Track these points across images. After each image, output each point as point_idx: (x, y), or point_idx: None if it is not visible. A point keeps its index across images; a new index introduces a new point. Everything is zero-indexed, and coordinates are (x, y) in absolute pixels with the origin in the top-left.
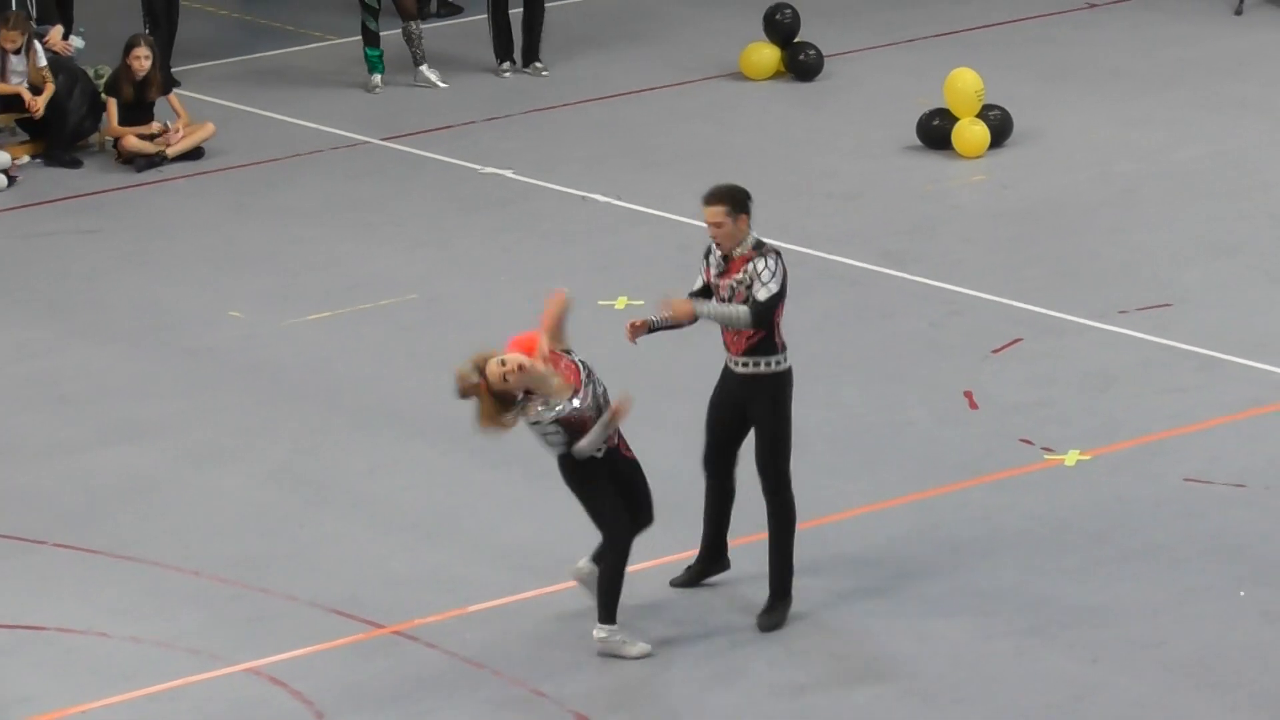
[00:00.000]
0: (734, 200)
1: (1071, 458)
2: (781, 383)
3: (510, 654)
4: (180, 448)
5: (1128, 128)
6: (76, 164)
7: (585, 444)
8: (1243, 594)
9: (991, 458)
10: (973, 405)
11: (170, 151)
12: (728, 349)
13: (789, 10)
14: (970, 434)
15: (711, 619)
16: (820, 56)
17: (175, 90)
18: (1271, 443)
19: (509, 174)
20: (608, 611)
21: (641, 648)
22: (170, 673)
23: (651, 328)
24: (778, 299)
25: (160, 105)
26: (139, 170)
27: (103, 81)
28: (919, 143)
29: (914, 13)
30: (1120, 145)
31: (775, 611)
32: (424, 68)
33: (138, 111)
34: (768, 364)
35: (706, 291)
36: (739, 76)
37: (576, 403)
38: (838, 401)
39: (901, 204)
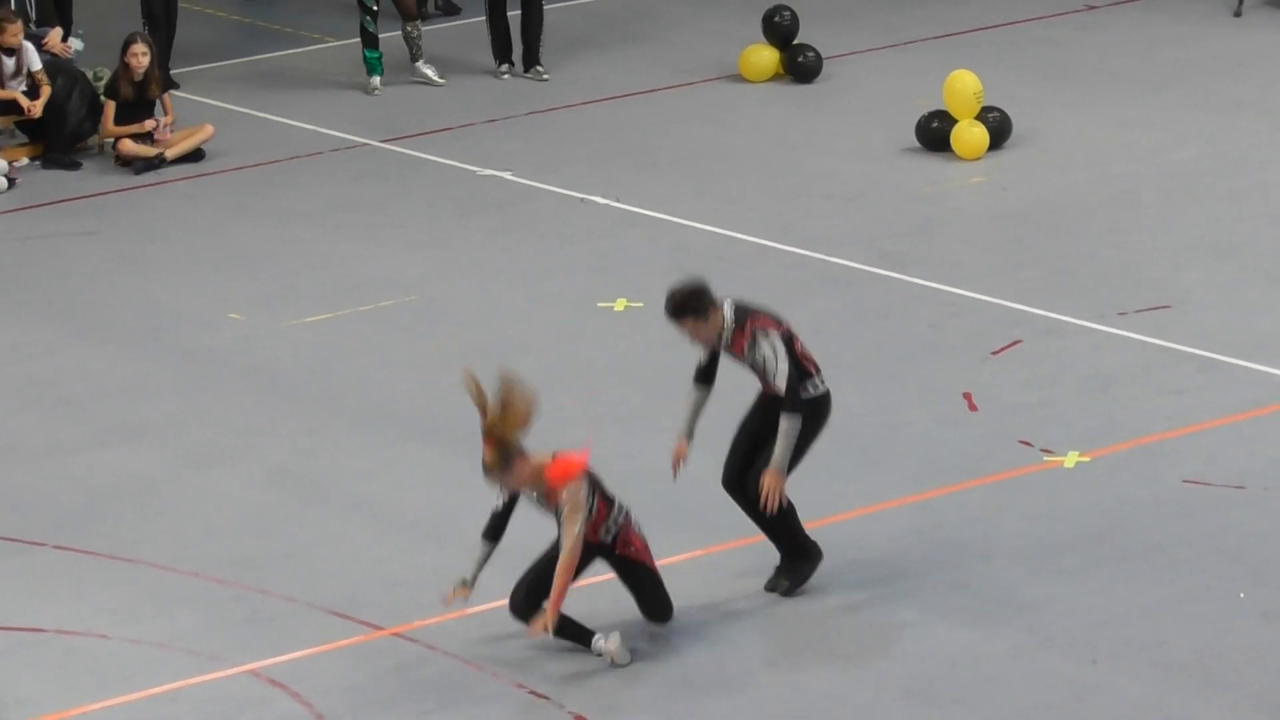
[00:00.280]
0: (695, 307)
1: (1071, 459)
2: (816, 409)
3: (509, 656)
4: (179, 449)
5: (1127, 129)
6: (75, 166)
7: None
8: (1242, 595)
9: (990, 459)
10: (972, 407)
11: (169, 154)
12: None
13: (788, 12)
14: (969, 435)
15: (709, 621)
16: (819, 58)
17: (171, 92)
18: (1271, 444)
19: (508, 176)
20: (579, 635)
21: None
22: (170, 674)
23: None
24: (793, 369)
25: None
26: (137, 172)
27: (102, 83)
28: (918, 144)
29: (913, 14)
30: (1119, 146)
31: (796, 571)
32: (420, 64)
33: (139, 111)
34: (804, 391)
35: (708, 367)
36: (738, 78)
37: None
38: (837, 403)
39: (900, 205)
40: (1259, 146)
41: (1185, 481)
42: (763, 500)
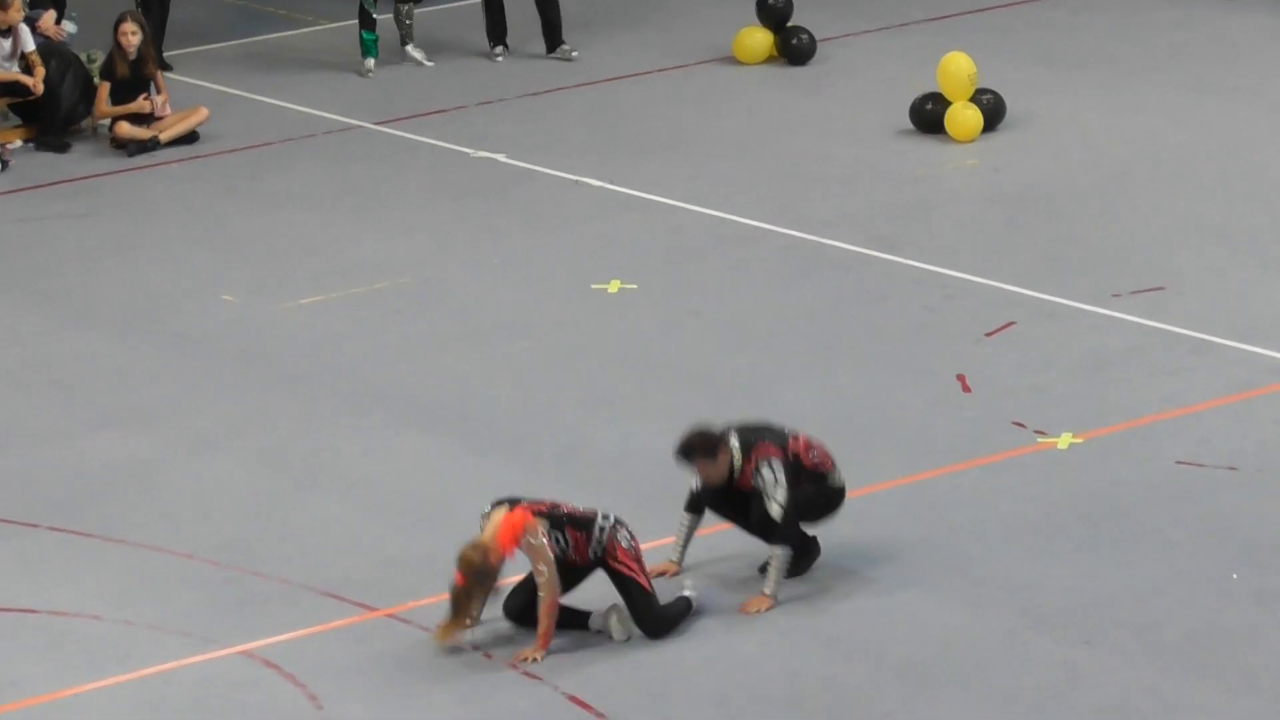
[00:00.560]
0: (706, 449)
1: (1064, 441)
2: (831, 498)
3: (503, 637)
4: (173, 432)
5: (1121, 112)
6: (65, 148)
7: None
8: (1235, 576)
9: (984, 441)
10: (966, 389)
11: (163, 136)
12: None
13: None
14: (963, 417)
15: (703, 602)
16: (813, 41)
17: (165, 74)
18: (1264, 425)
19: (501, 158)
20: (574, 620)
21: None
22: (163, 656)
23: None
24: (793, 497)
25: None
26: (131, 155)
27: (95, 66)
28: (912, 127)
29: None
30: (1113, 130)
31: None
32: (409, 47)
33: (135, 91)
34: (830, 482)
35: (701, 497)
36: (732, 61)
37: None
38: (830, 385)
39: (894, 188)
40: (1252, 130)
41: (1178, 463)
42: (747, 609)
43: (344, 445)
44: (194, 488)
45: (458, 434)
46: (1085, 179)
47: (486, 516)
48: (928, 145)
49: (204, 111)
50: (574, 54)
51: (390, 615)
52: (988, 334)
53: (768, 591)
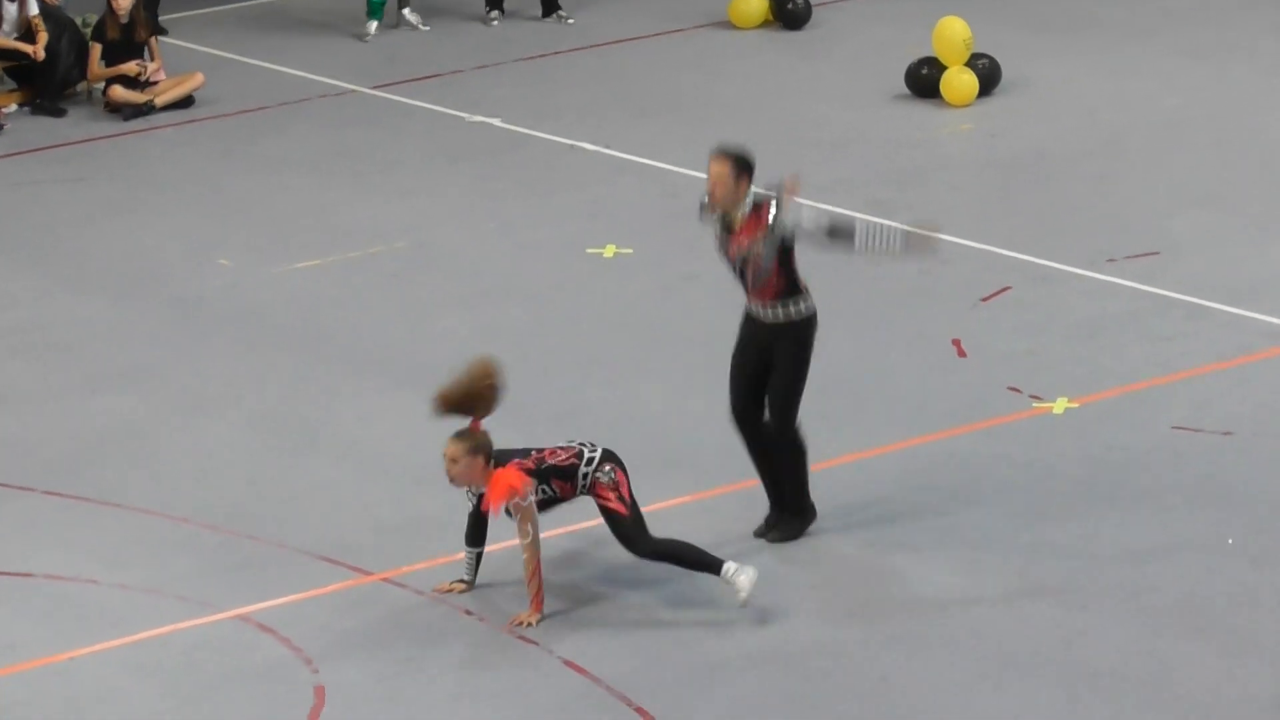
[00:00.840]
0: (741, 163)
1: (1060, 406)
2: (809, 327)
3: (498, 601)
4: (168, 395)
5: (1116, 76)
6: (61, 113)
7: None
8: (1231, 540)
9: (980, 406)
10: (961, 353)
11: (159, 101)
12: (755, 298)
13: None
14: (958, 382)
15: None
16: (808, 5)
17: (160, 38)
18: (1259, 390)
19: (497, 123)
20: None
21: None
22: (159, 619)
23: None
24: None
25: None
26: (127, 119)
27: (89, 30)
28: (907, 91)
29: None
30: (1108, 94)
31: (788, 525)
32: (406, 10)
33: (127, 55)
34: (796, 309)
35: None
36: (727, 25)
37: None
38: (826, 349)
39: (890, 152)
40: (1247, 94)
41: (1174, 428)
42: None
43: (340, 409)
44: (190, 451)
45: None
46: (1080, 143)
47: None
48: (923, 110)
49: (199, 76)
50: (570, 19)
51: (386, 579)
52: (983, 299)
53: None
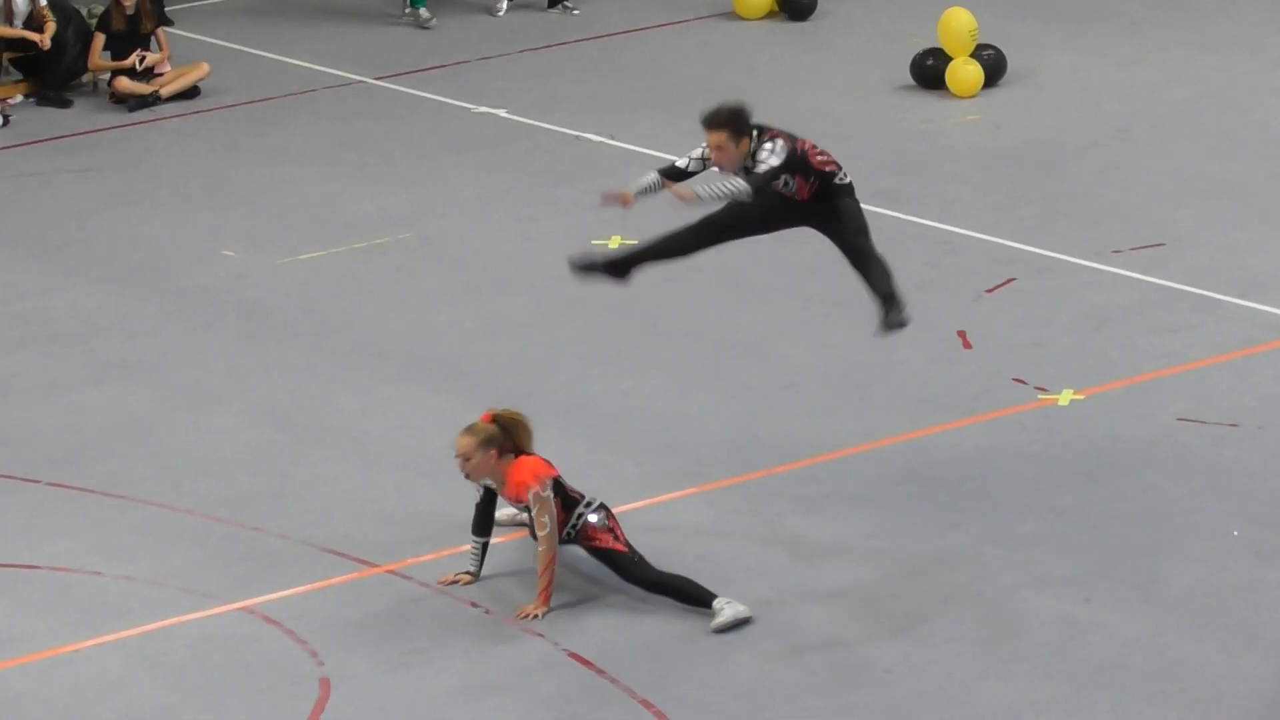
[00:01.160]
0: (736, 125)
1: (1065, 397)
2: (852, 189)
3: (504, 593)
4: (173, 387)
5: (1121, 67)
6: (66, 104)
7: None
8: (1236, 533)
9: (985, 397)
10: (966, 345)
11: (164, 92)
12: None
13: None
14: (963, 373)
15: (702, 559)
16: None
17: (166, 29)
18: (1264, 382)
19: (502, 113)
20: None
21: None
22: (163, 611)
23: (642, 191)
24: (778, 170)
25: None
26: (132, 110)
27: (96, 21)
28: (913, 82)
29: None
30: (1113, 85)
31: (898, 310)
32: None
33: (132, 46)
34: (838, 180)
35: (678, 173)
36: (733, 16)
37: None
38: (831, 341)
39: (895, 143)
40: (1253, 85)
41: (1179, 419)
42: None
43: (344, 401)
44: (194, 443)
45: (458, 389)
46: (1086, 134)
47: None
48: (929, 101)
49: (205, 67)
50: (575, 10)
51: (390, 571)
52: (988, 290)
53: (700, 191)
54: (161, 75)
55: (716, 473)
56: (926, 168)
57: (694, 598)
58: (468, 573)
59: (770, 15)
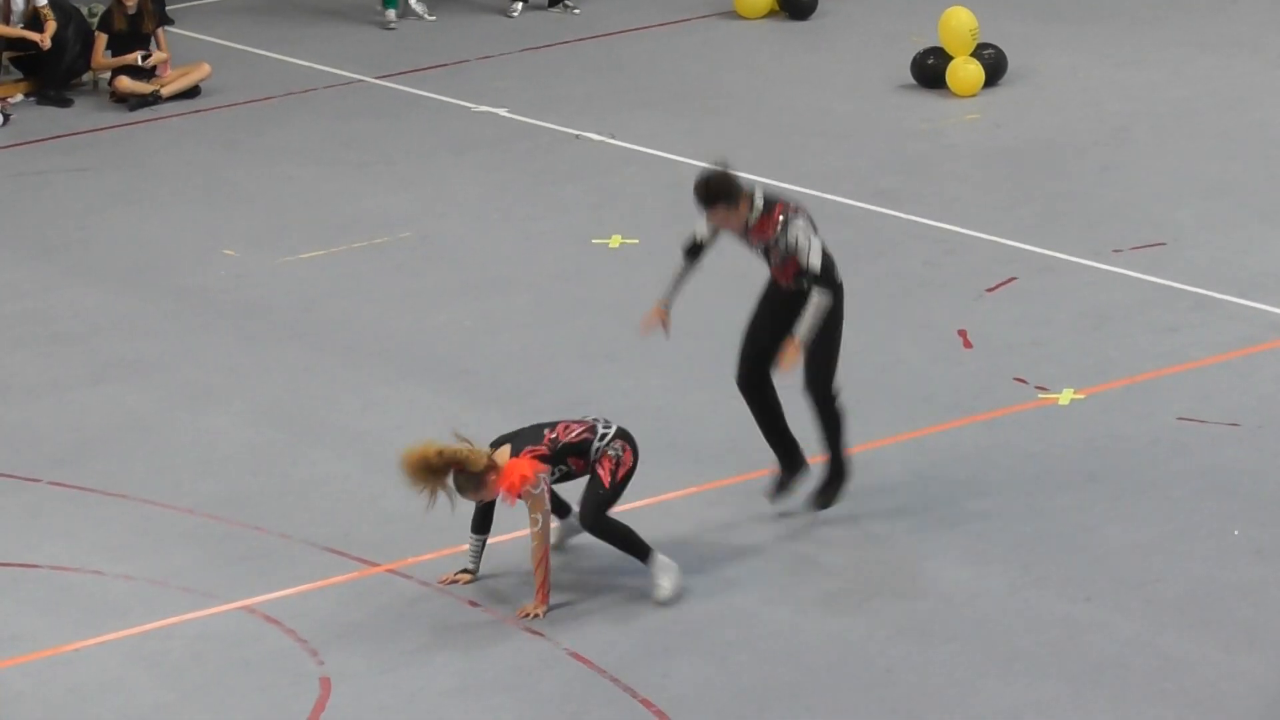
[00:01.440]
0: (727, 194)
1: (1065, 396)
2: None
3: (503, 592)
4: (173, 386)
5: (1121, 67)
6: (67, 103)
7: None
8: (1236, 532)
9: (985, 396)
10: (966, 344)
11: (165, 91)
12: (779, 276)
13: None
14: (964, 372)
15: (704, 557)
16: None
17: (167, 28)
18: (1265, 381)
19: (502, 112)
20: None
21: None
22: (163, 611)
23: (675, 288)
24: (824, 252)
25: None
26: (132, 109)
27: (96, 20)
28: (913, 81)
29: None
30: (1114, 84)
31: (833, 489)
32: (413, 1)
33: (133, 46)
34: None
35: (702, 245)
36: (733, 15)
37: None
38: None
39: (896, 143)
40: (1253, 85)
41: (1179, 419)
42: (784, 362)
43: (344, 400)
44: (194, 442)
45: (458, 388)
46: (1086, 134)
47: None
48: (929, 100)
49: (205, 67)
50: (576, 9)
51: (391, 570)
52: (989, 289)
53: (802, 338)
54: (162, 74)
55: (716, 473)
56: (927, 167)
57: (632, 547)
58: (466, 570)
59: (770, 15)
